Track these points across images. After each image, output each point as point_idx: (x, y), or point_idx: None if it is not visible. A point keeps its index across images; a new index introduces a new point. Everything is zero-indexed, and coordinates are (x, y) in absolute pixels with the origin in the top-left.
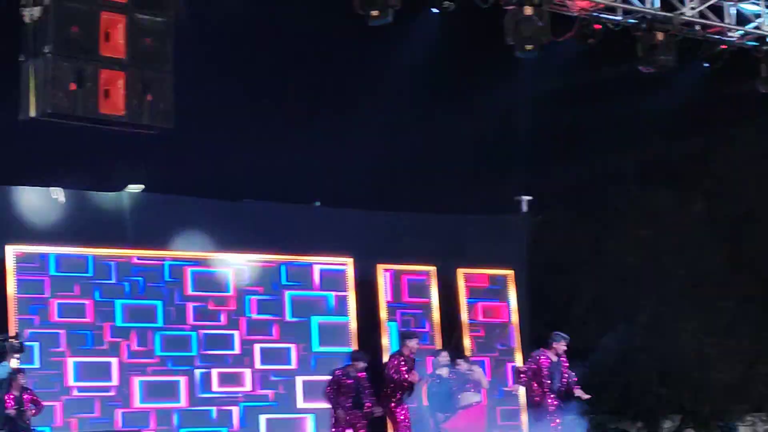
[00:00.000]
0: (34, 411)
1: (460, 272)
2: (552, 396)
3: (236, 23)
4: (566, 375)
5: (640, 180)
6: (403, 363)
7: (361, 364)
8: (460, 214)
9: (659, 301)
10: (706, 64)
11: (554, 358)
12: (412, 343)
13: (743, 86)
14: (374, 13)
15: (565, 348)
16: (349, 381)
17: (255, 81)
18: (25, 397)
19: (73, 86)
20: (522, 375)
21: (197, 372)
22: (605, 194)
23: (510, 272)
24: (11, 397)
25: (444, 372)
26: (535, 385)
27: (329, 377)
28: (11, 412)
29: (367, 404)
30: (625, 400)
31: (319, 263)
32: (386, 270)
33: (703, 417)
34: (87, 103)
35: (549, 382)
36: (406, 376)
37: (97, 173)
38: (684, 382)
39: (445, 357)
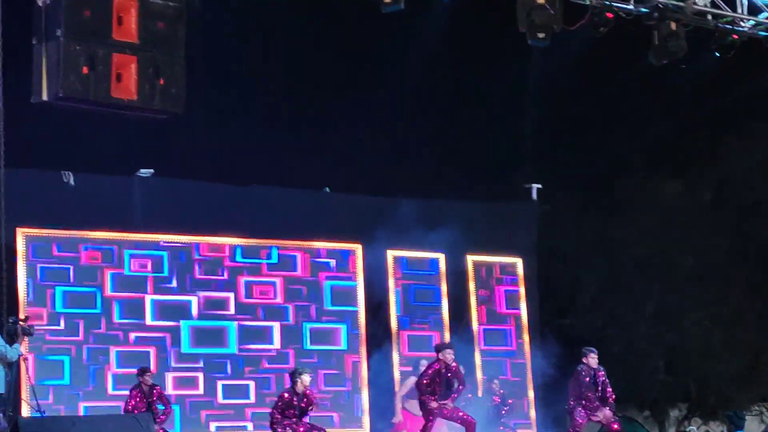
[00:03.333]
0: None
1: (470, 259)
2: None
3: (249, 9)
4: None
5: (648, 169)
6: (438, 373)
7: (308, 378)
8: (470, 201)
9: (666, 291)
10: (717, 54)
11: (590, 373)
12: (448, 355)
13: (754, 76)
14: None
15: (596, 359)
16: (295, 399)
17: (267, 66)
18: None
19: (85, 70)
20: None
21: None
22: (613, 183)
23: (518, 260)
24: (138, 394)
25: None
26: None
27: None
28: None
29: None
30: (632, 389)
31: (327, 248)
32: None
33: (709, 406)
34: (99, 87)
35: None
36: (433, 403)
37: (108, 157)
38: (690, 371)
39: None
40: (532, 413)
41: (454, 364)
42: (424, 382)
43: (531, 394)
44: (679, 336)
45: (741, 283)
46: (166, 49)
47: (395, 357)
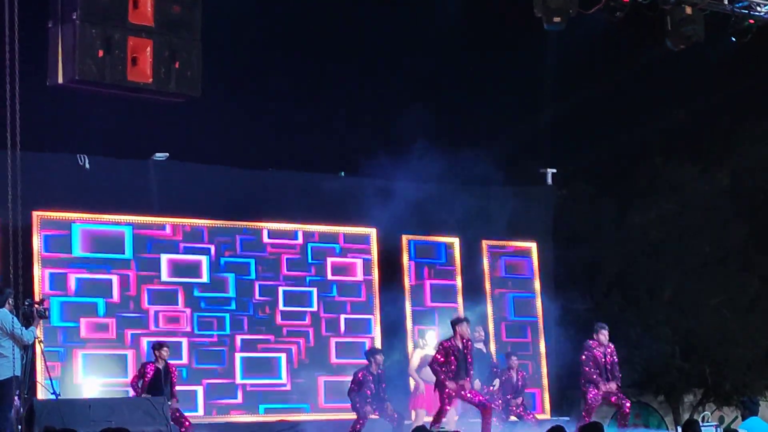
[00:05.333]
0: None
1: (485, 243)
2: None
3: None
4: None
5: (665, 154)
6: (454, 349)
7: (380, 358)
8: (485, 185)
9: (682, 277)
10: (734, 39)
11: (601, 349)
12: (465, 329)
13: None
14: None
15: (607, 335)
16: (369, 377)
17: (282, 50)
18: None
19: (100, 53)
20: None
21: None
22: (630, 168)
23: (533, 244)
24: (152, 368)
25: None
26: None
27: (351, 378)
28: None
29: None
30: (648, 374)
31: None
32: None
33: (724, 392)
34: (114, 71)
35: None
36: (450, 383)
37: (123, 141)
38: (706, 357)
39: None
40: (547, 399)
41: (470, 342)
42: (439, 358)
43: (545, 381)
44: (695, 322)
45: (758, 269)
46: (182, 32)
47: (410, 340)
